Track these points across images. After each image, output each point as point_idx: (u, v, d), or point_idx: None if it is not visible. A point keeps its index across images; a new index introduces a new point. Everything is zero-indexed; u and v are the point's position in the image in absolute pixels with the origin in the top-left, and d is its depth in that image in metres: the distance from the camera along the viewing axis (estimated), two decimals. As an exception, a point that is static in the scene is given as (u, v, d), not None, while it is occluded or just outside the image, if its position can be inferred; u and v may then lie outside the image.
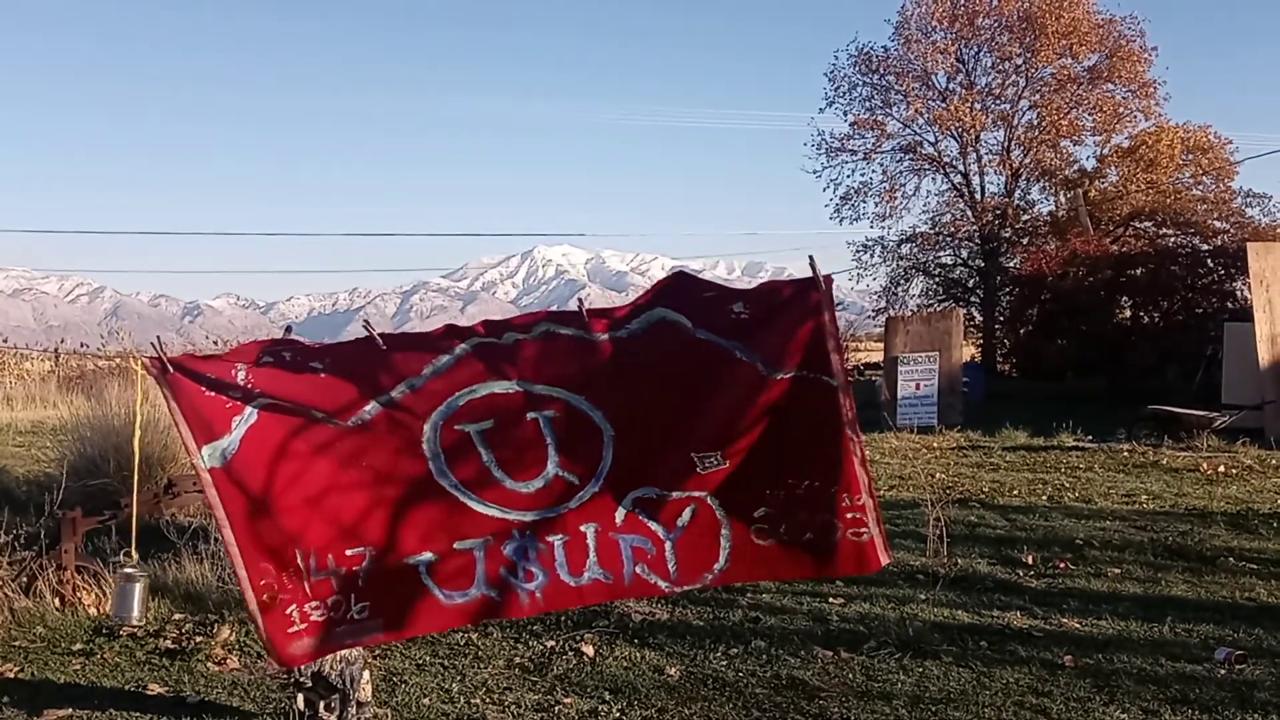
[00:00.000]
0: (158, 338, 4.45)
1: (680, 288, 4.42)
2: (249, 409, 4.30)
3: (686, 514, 4.63)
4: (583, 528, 4.62)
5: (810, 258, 4.24)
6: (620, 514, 4.63)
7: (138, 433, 5.20)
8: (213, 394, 4.28)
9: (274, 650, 4.26)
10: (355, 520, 4.46)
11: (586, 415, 4.53)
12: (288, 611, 4.31)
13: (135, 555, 4.72)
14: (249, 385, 4.31)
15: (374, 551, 4.46)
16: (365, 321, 4.59)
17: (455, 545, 4.55)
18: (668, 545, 4.65)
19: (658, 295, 4.42)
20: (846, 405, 4.40)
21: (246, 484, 4.28)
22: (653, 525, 4.63)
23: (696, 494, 4.60)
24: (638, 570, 4.65)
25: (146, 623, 5.90)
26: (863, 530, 4.54)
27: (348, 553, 4.44)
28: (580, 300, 4.51)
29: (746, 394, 4.44)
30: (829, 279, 4.25)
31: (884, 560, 4.63)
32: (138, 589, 4.91)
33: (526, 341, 4.48)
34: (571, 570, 4.63)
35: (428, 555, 4.52)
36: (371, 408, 4.44)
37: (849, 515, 4.51)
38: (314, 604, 4.37)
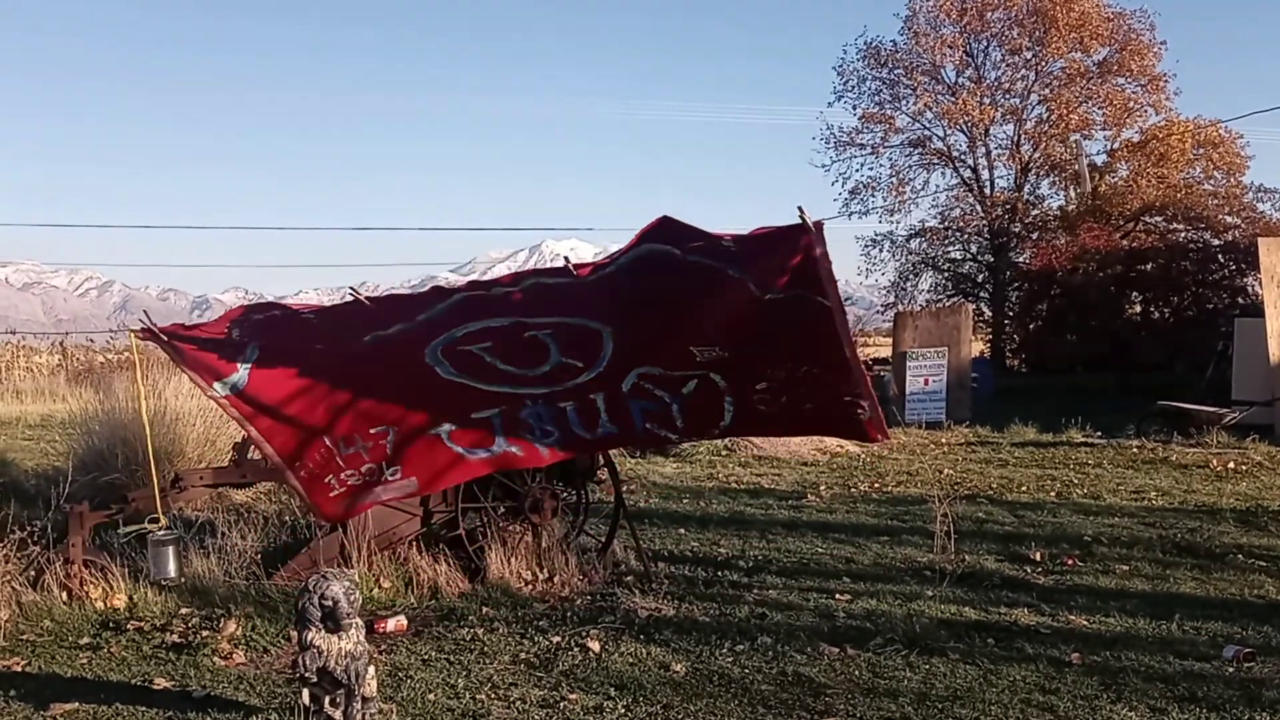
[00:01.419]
0: (145, 312, 4.62)
1: (667, 230, 4.47)
2: (250, 349, 4.52)
3: (691, 385, 4.79)
4: (592, 395, 4.80)
5: (799, 207, 4.25)
6: (627, 384, 4.77)
7: (143, 404, 5.24)
8: (211, 350, 4.47)
9: (316, 509, 4.51)
10: (373, 409, 4.71)
11: (584, 325, 4.67)
12: (325, 480, 4.58)
13: (164, 519, 4.85)
14: (244, 340, 4.51)
15: (396, 429, 4.67)
16: (352, 288, 4.69)
17: (472, 416, 4.73)
18: (674, 407, 4.84)
19: (644, 237, 4.48)
20: (840, 321, 4.46)
21: (262, 400, 4.52)
22: (658, 392, 4.81)
23: (697, 372, 4.73)
24: (648, 425, 4.83)
25: (153, 616, 5.92)
26: (861, 410, 4.68)
27: (371, 431, 4.66)
28: (565, 257, 4.56)
29: (739, 306, 4.52)
30: (819, 223, 4.28)
31: (880, 438, 4.77)
32: (171, 550, 5.09)
33: (516, 292, 4.61)
34: (585, 427, 4.82)
35: (447, 425, 4.74)
36: (370, 339, 4.62)
37: (846, 398, 4.64)
38: (349, 472, 4.62)
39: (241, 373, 4.53)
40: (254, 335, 4.53)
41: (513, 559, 6.54)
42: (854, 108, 33.31)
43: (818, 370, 4.63)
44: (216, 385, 4.48)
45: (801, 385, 4.69)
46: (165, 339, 4.41)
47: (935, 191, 33.88)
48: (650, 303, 4.60)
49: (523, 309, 4.65)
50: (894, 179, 33.19)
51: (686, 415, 4.83)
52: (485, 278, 4.90)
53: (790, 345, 4.62)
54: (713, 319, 4.58)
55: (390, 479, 4.73)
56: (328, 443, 4.63)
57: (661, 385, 4.79)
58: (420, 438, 4.74)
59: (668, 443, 4.97)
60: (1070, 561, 7.20)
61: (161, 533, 5.02)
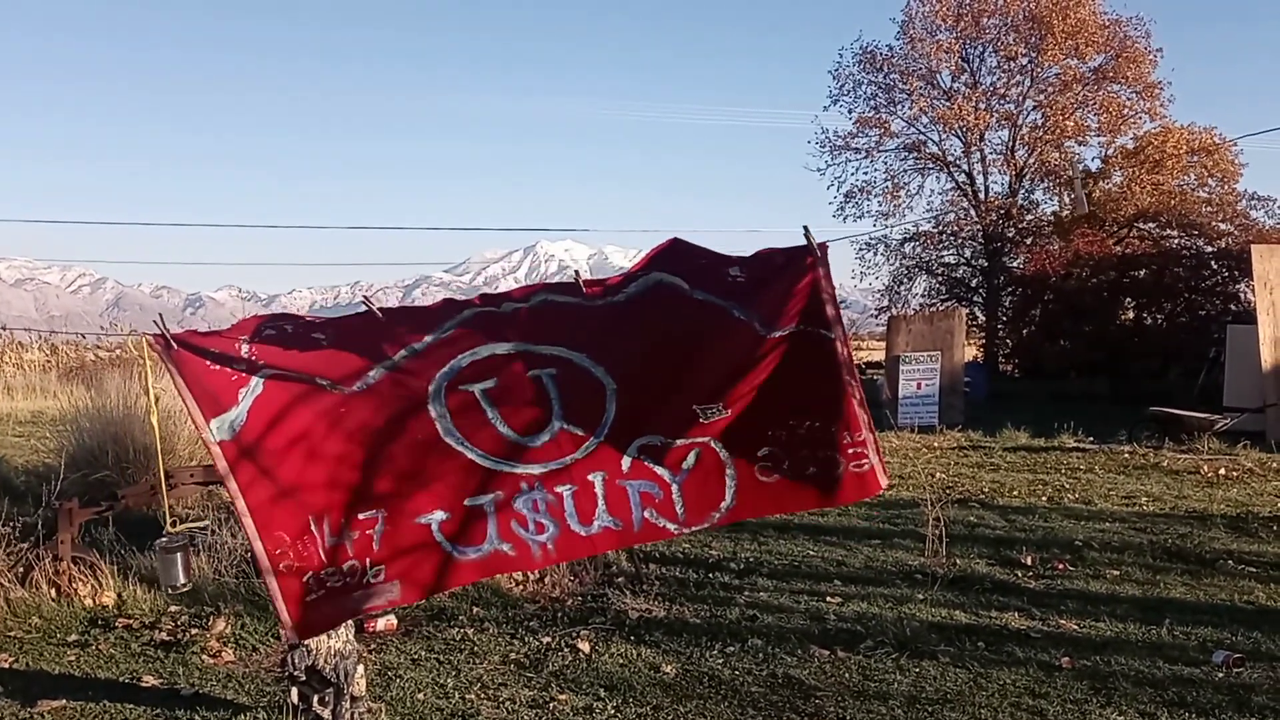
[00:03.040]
0: (160, 315, 4.55)
1: (676, 253, 4.46)
2: (254, 380, 4.39)
3: (691, 457, 4.72)
4: (590, 476, 4.70)
5: (805, 228, 4.27)
6: (626, 461, 4.71)
7: (154, 410, 5.20)
8: (218, 367, 4.37)
9: (289, 622, 4.28)
10: (366, 483, 4.55)
11: (588, 371, 4.61)
12: (305, 579, 4.38)
13: (172, 524, 4.78)
14: (253, 358, 4.41)
15: (386, 514, 4.54)
16: (365, 297, 4.64)
17: (466, 502, 4.64)
18: (674, 488, 4.75)
19: (653, 261, 4.47)
20: (844, 353, 4.46)
21: (256, 454, 4.38)
22: (658, 470, 4.72)
23: (700, 439, 4.68)
24: (646, 515, 4.75)
25: (141, 614, 5.90)
26: (864, 461, 4.64)
27: (360, 516, 4.52)
28: (577, 272, 4.54)
29: (744, 351, 4.50)
30: (824, 245, 4.29)
31: (883, 483, 4.74)
32: (179, 557, 5.03)
33: (525, 309, 4.56)
34: (581, 520, 4.73)
35: (439, 514, 4.62)
36: (376, 372, 4.52)
37: (850, 451, 4.61)
38: (330, 569, 4.44)
39: (241, 407, 4.42)
40: (263, 354, 4.45)
41: (504, 559, 6.52)
42: (849, 112, 33.36)
43: (819, 423, 4.61)
44: (213, 424, 4.34)
45: (804, 446, 4.66)
46: (175, 348, 4.33)
47: (930, 196, 34.01)
48: (655, 351, 4.58)
49: (531, 332, 4.61)
50: (889, 183, 33.25)
51: (687, 498, 4.79)
52: (497, 290, 4.85)
53: (793, 394, 4.61)
54: (717, 371, 4.58)
55: (373, 581, 4.58)
56: (313, 528, 4.48)
57: (663, 461, 4.74)
58: (410, 529, 4.62)
59: (667, 535, 4.89)
60: (1061, 566, 7.21)
61: (166, 539, 4.97)
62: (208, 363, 4.37)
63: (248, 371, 4.40)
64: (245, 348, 4.41)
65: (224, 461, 4.28)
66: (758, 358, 4.50)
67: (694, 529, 4.84)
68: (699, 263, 4.47)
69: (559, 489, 4.69)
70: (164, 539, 5.10)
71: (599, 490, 4.73)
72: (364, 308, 4.56)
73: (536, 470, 4.67)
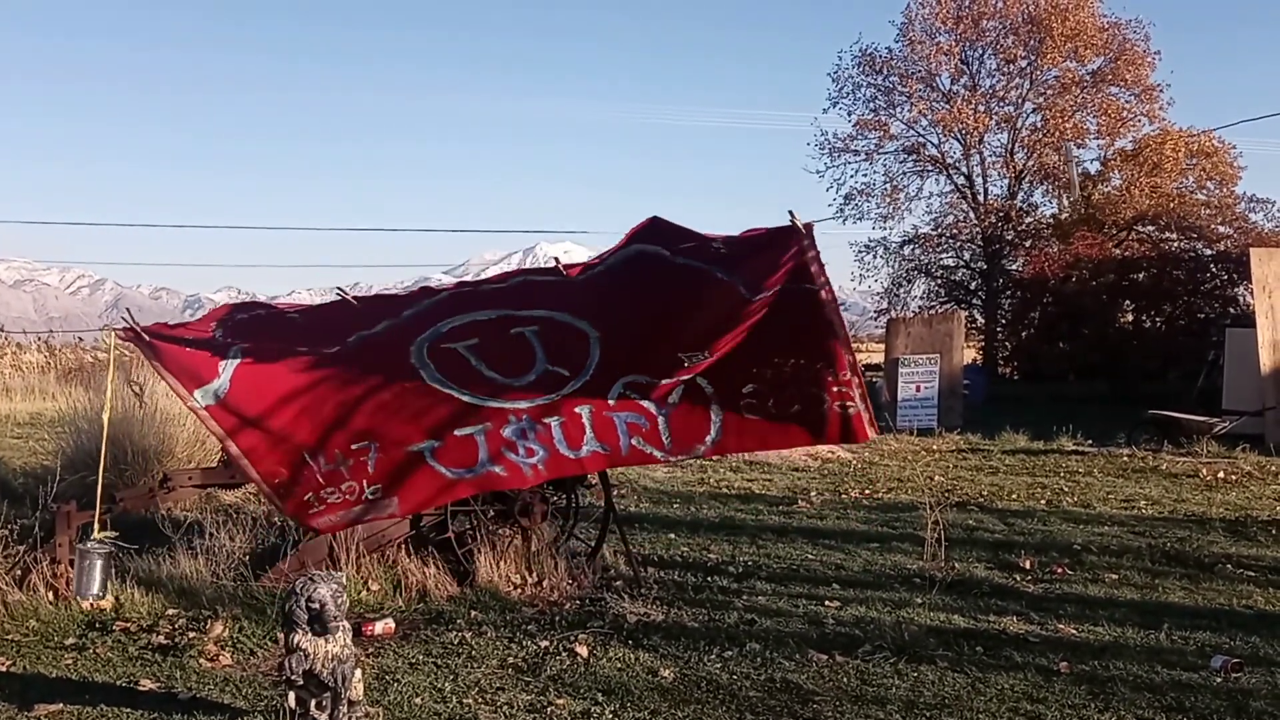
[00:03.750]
0: (128, 310, 4.61)
1: (656, 230, 4.49)
2: (233, 351, 4.49)
3: (677, 393, 4.79)
4: (577, 409, 4.80)
5: (790, 211, 4.28)
6: (613, 396, 4.77)
7: (108, 404, 5.21)
8: (194, 350, 4.45)
9: (304, 522, 4.51)
10: (355, 422, 4.70)
11: (570, 324, 4.69)
12: (305, 498, 4.55)
13: (98, 531, 4.77)
14: (228, 341, 4.50)
15: (378, 445, 4.66)
16: (339, 288, 4.69)
17: (456, 432, 4.72)
18: (660, 420, 4.83)
19: (634, 237, 4.50)
20: (828, 298, 4.48)
21: (244, 410, 4.50)
22: (645, 403, 4.81)
23: (684, 377, 4.73)
24: (634, 443, 4.84)
25: (139, 617, 5.89)
26: (849, 404, 4.70)
27: (353, 447, 4.64)
28: (556, 258, 4.58)
29: (728, 309, 4.55)
30: (809, 225, 4.30)
31: (870, 434, 4.79)
32: (99, 564, 4.94)
33: (504, 287, 4.62)
34: (570, 445, 4.82)
35: (430, 443, 4.72)
36: (355, 339, 4.60)
37: (835, 389, 4.68)
38: (329, 489, 4.62)
39: (223, 378, 4.50)
40: (238, 336, 4.51)
41: (502, 563, 6.52)
42: (849, 114, 33.39)
43: (804, 360, 4.64)
44: (197, 394, 4.44)
45: (789, 385, 4.71)
46: (147, 339, 4.38)
47: (929, 198, 34.01)
48: (638, 306, 4.60)
49: (511, 301, 4.68)
50: (888, 185, 33.27)
51: (673, 429, 4.84)
52: (475, 278, 4.91)
53: (778, 338, 4.64)
54: (701, 323, 4.59)
55: (371, 498, 4.71)
56: (308, 459, 4.60)
57: (648, 395, 4.80)
58: (402, 456, 4.72)
59: (654, 461, 4.94)
60: (1060, 570, 7.21)
61: (89, 545, 4.84)
62: (184, 348, 4.44)
63: (224, 352, 4.49)
64: (220, 333, 4.49)
65: (212, 421, 4.52)
66: (742, 316, 4.53)
67: (680, 458, 4.95)
68: (681, 243, 4.49)
69: (547, 420, 4.78)
70: (86, 544, 5.03)
71: (586, 421, 4.81)
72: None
73: (524, 405, 4.76)
